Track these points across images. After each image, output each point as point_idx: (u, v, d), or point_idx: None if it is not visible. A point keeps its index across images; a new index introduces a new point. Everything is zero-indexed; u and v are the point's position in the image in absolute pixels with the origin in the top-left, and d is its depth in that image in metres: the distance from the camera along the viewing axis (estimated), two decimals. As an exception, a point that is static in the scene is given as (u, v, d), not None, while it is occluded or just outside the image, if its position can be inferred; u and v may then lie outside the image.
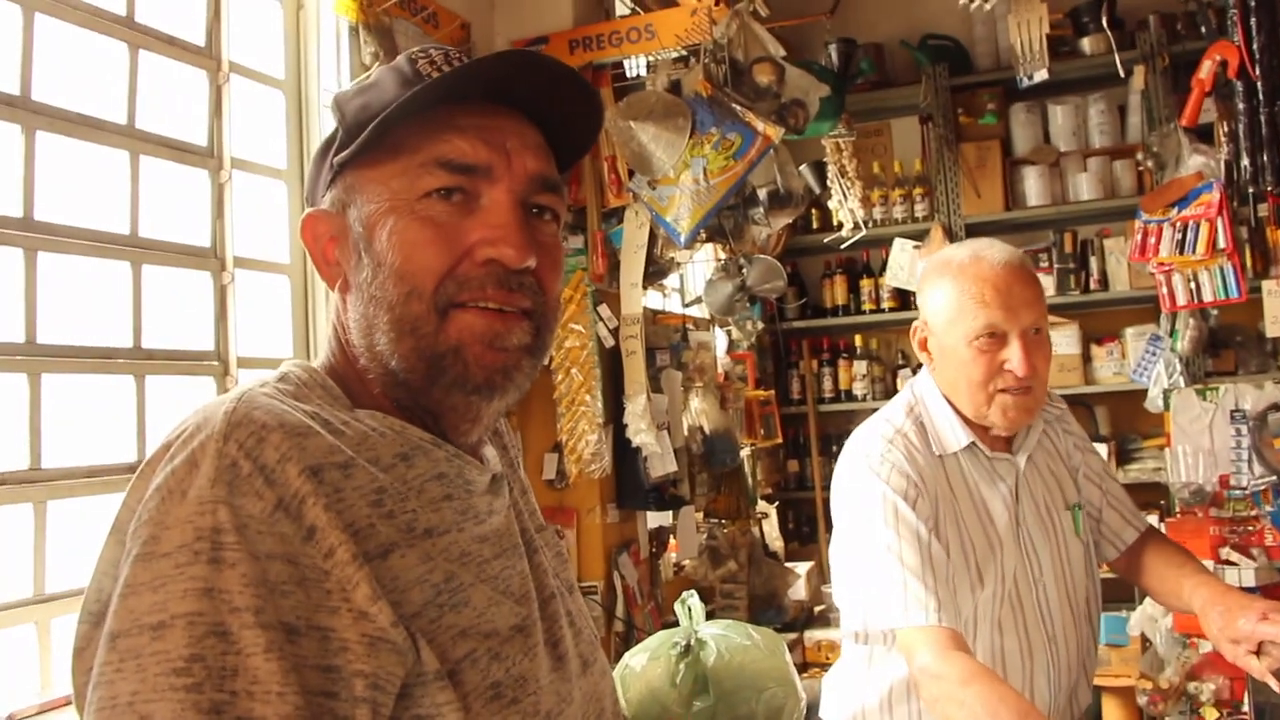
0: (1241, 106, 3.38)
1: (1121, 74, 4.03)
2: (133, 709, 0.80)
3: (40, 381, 2.18)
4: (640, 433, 3.49)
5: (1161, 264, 3.64)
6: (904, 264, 5.36)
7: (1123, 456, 5.21)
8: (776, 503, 5.26)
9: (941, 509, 1.97)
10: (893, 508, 1.93)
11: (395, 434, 1.01)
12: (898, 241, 5.38)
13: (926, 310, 2.07)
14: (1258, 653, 1.77)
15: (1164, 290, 3.71)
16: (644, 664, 1.53)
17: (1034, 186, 5.36)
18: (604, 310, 3.55)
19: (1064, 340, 5.27)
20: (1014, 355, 1.92)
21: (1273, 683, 1.74)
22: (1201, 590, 1.94)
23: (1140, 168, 4.95)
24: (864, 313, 5.75)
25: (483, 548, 1.04)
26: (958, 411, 2.04)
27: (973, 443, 2.03)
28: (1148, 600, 3.79)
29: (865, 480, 1.98)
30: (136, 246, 2.44)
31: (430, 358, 1.01)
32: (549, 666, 1.06)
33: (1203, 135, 3.86)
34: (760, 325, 5.13)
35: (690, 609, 1.61)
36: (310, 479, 0.89)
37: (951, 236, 5.33)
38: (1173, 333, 4.68)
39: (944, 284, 2.00)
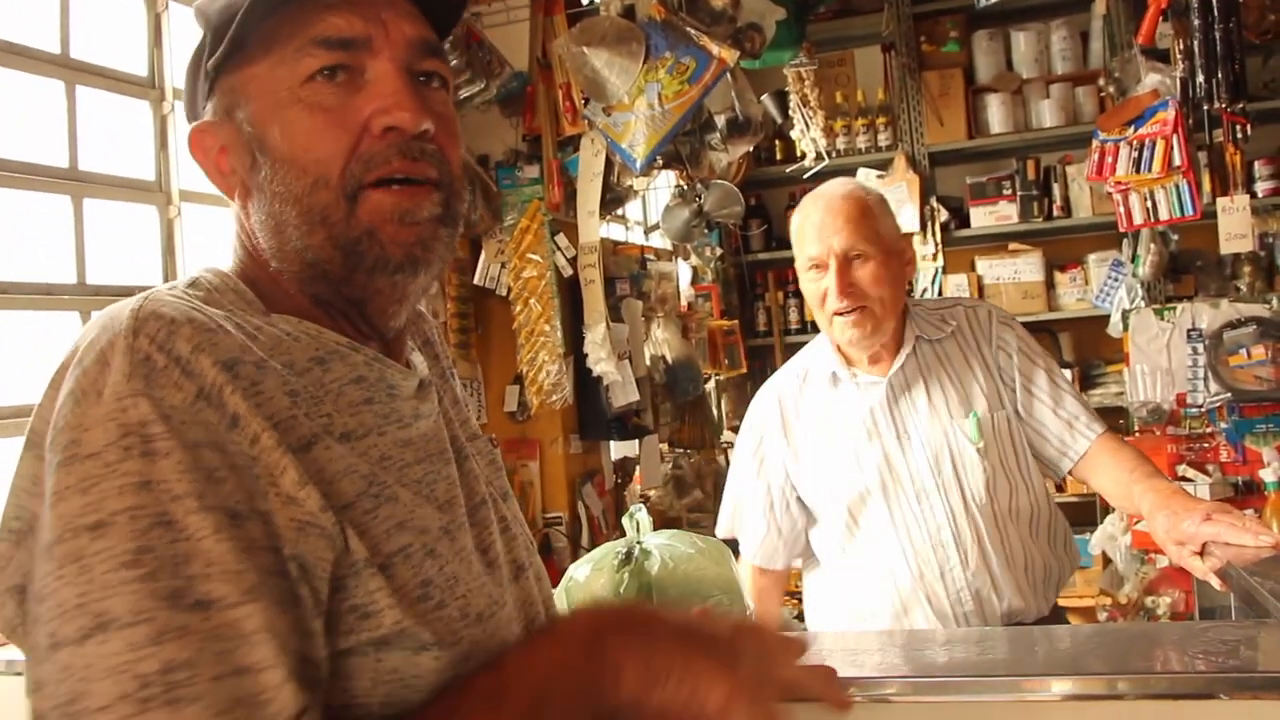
0: (1197, 23, 3.36)
1: (1080, -5, 3.99)
2: (84, 610, 0.78)
3: (-18, 317, 2.15)
4: (600, 362, 3.49)
5: (1119, 183, 3.63)
6: (868, 194, 5.35)
7: (1086, 382, 5.25)
8: (742, 434, 5.27)
9: (802, 440, 2.23)
10: (743, 452, 2.27)
11: (311, 338, 0.99)
12: (861, 171, 5.37)
13: None
14: (1201, 554, 1.79)
15: (1121, 210, 3.70)
16: (587, 575, 1.53)
17: (997, 114, 5.35)
18: (561, 240, 3.53)
19: (1027, 267, 5.29)
20: (829, 281, 2.11)
21: (1215, 582, 1.76)
22: (1149, 495, 1.98)
23: (1102, 93, 4.92)
24: (829, 244, 5.72)
25: (404, 451, 1.03)
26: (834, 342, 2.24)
27: (834, 372, 2.22)
28: (1108, 519, 3.84)
29: (745, 424, 2.33)
30: (77, 180, 2.39)
31: (345, 245, 0.99)
32: (479, 570, 1.06)
33: (1161, 57, 3.84)
34: (720, 252, 5.12)
35: (638, 522, 1.61)
36: (225, 371, 0.87)
37: (915, 165, 5.32)
38: (1134, 258, 4.69)
39: (793, 221, 2.24)
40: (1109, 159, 3.65)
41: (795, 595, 4.39)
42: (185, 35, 2.71)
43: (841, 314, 2.12)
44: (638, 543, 1.56)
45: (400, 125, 0.99)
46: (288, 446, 0.89)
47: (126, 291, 2.46)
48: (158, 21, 2.63)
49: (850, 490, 2.16)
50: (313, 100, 0.98)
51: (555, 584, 1.64)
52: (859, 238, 2.10)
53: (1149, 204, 3.64)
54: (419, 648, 0.93)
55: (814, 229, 2.14)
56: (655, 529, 2.03)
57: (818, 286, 2.14)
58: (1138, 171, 3.56)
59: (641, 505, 1.64)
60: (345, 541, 0.90)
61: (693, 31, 3.33)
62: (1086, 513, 4.69)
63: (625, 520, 1.62)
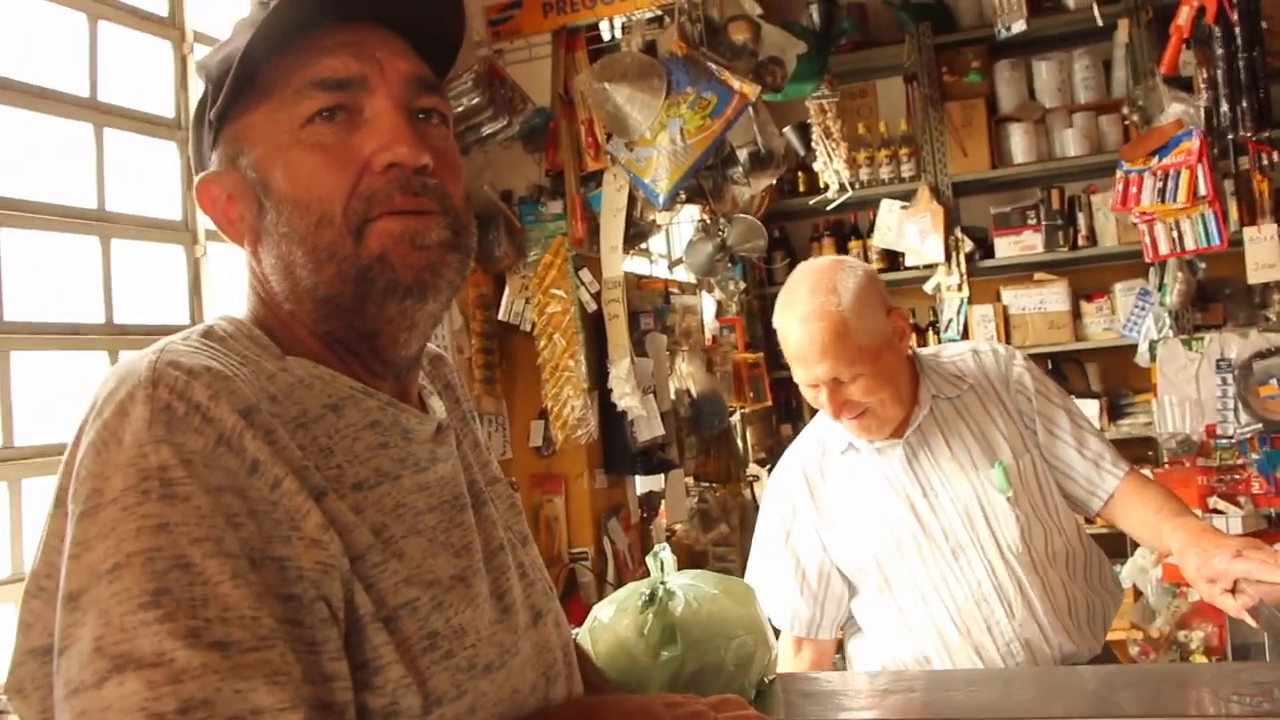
0: (1220, 52, 3.35)
1: (1100, 24, 3.97)
2: (101, 653, 0.78)
3: (9, 358, 2.16)
4: (625, 396, 3.48)
5: (1144, 213, 3.62)
6: (892, 225, 5.35)
7: (1114, 412, 5.20)
8: (769, 466, 5.25)
9: (832, 507, 2.22)
10: (780, 521, 2.28)
11: (324, 383, 1.00)
12: (885, 202, 5.36)
13: None
14: (1233, 591, 1.77)
15: (1147, 240, 3.69)
16: (611, 615, 1.52)
17: (1020, 144, 5.33)
18: (585, 275, 3.53)
19: (1053, 297, 5.26)
20: (824, 403, 2.12)
21: (1248, 619, 1.74)
22: (1179, 532, 1.96)
23: (1126, 122, 4.91)
24: (853, 275, 5.70)
25: (419, 497, 1.03)
26: None
27: (849, 442, 2.21)
28: (1139, 551, 3.80)
29: (771, 489, 2.34)
30: (104, 220, 2.42)
31: (356, 275, 1.00)
32: (493, 618, 1.05)
33: (1184, 85, 3.83)
34: (743, 286, 5.11)
35: (661, 561, 1.60)
36: (243, 418, 0.88)
37: (939, 196, 5.31)
38: (1161, 286, 4.66)
39: (777, 325, 2.19)
40: (1133, 189, 3.64)
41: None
42: (211, 77, 2.74)
43: (849, 418, 2.13)
44: (662, 583, 1.55)
45: (400, 160, 1.00)
46: (308, 492, 0.89)
47: (153, 331, 2.49)
48: (184, 63, 2.66)
49: (884, 553, 2.16)
50: (312, 141, 1.00)
51: (581, 620, 1.63)
52: (841, 364, 2.07)
53: (1175, 234, 3.62)
54: (422, 710, 0.93)
55: (795, 352, 2.12)
56: (682, 564, 2.04)
57: (814, 396, 2.14)
58: (1163, 201, 3.55)
59: (665, 544, 1.63)
60: (353, 594, 0.90)
61: (714, 66, 3.34)
62: (1117, 544, 4.63)
63: (649, 560, 1.61)
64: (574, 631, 1.58)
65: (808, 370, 2.09)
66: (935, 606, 2.11)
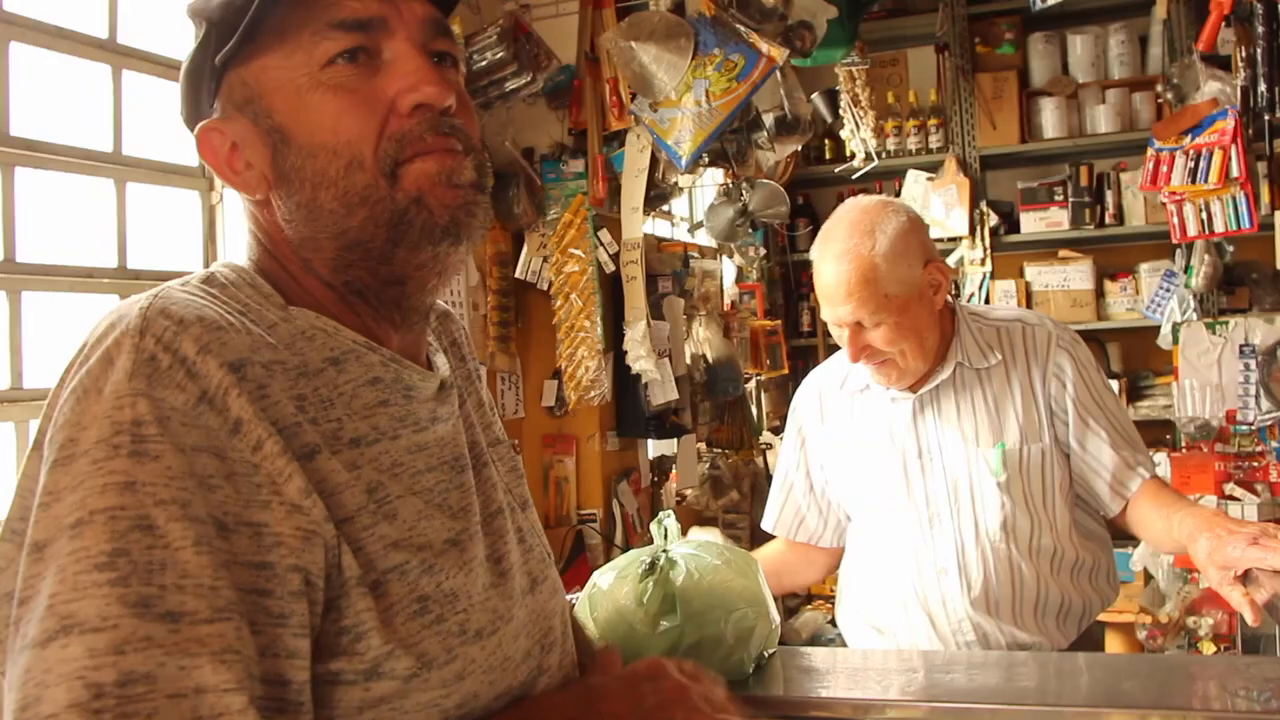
0: (1260, 30, 3.28)
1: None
2: (52, 611, 0.76)
3: (20, 300, 2.15)
4: (639, 359, 3.46)
5: (1173, 193, 3.56)
6: (917, 196, 5.30)
7: (1134, 393, 5.16)
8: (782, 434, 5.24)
9: (836, 440, 2.28)
10: (796, 428, 2.37)
11: (327, 335, 0.98)
12: (911, 173, 5.31)
13: None
14: (1243, 580, 1.73)
15: (1175, 220, 3.63)
16: (611, 582, 1.51)
17: (1050, 118, 5.27)
18: (604, 235, 3.50)
19: (1077, 275, 5.20)
20: (846, 345, 2.10)
21: (1248, 615, 1.68)
22: (1189, 519, 1.91)
23: (1160, 100, 4.84)
24: (876, 245, 5.66)
25: (417, 458, 1.02)
26: None
27: (867, 384, 2.21)
28: (1151, 534, 3.77)
29: (792, 406, 2.42)
30: (120, 164, 2.40)
31: (390, 217, 0.99)
32: (487, 582, 1.04)
33: (1222, 64, 3.76)
34: (763, 252, 5.07)
35: (666, 529, 1.59)
36: (231, 373, 0.86)
37: (965, 168, 5.25)
38: (1187, 268, 4.60)
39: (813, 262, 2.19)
40: (1164, 168, 3.58)
41: (820, 598, 4.35)
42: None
43: (871, 364, 2.12)
44: (664, 551, 1.53)
45: (429, 101, 0.99)
46: (292, 454, 0.87)
47: (166, 276, 2.46)
48: (205, 7, 2.63)
49: (867, 500, 2.20)
50: (335, 83, 0.98)
51: (585, 581, 1.62)
52: (865, 310, 2.04)
53: (1204, 215, 3.57)
54: (409, 674, 0.91)
55: (823, 289, 2.10)
56: (693, 526, 2.04)
57: (839, 335, 2.13)
58: (1193, 182, 3.50)
59: (670, 512, 1.61)
60: (339, 558, 0.89)
61: (742, 28, 3.29)
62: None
63: (654, 527, 1.59)
64: (574, 597, 1.57)
65: (833, 309, 2.08)
66: (900, 566, 2.13)
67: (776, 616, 1.56)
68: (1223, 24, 3.51)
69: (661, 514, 1.63)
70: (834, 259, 2.06)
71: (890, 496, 2.15)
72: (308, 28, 0.98)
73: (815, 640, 3.97)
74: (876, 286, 2.02)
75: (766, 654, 1.54)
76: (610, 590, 1.50)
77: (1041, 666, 1.57)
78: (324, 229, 1.00)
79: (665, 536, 1.60)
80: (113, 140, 2.39)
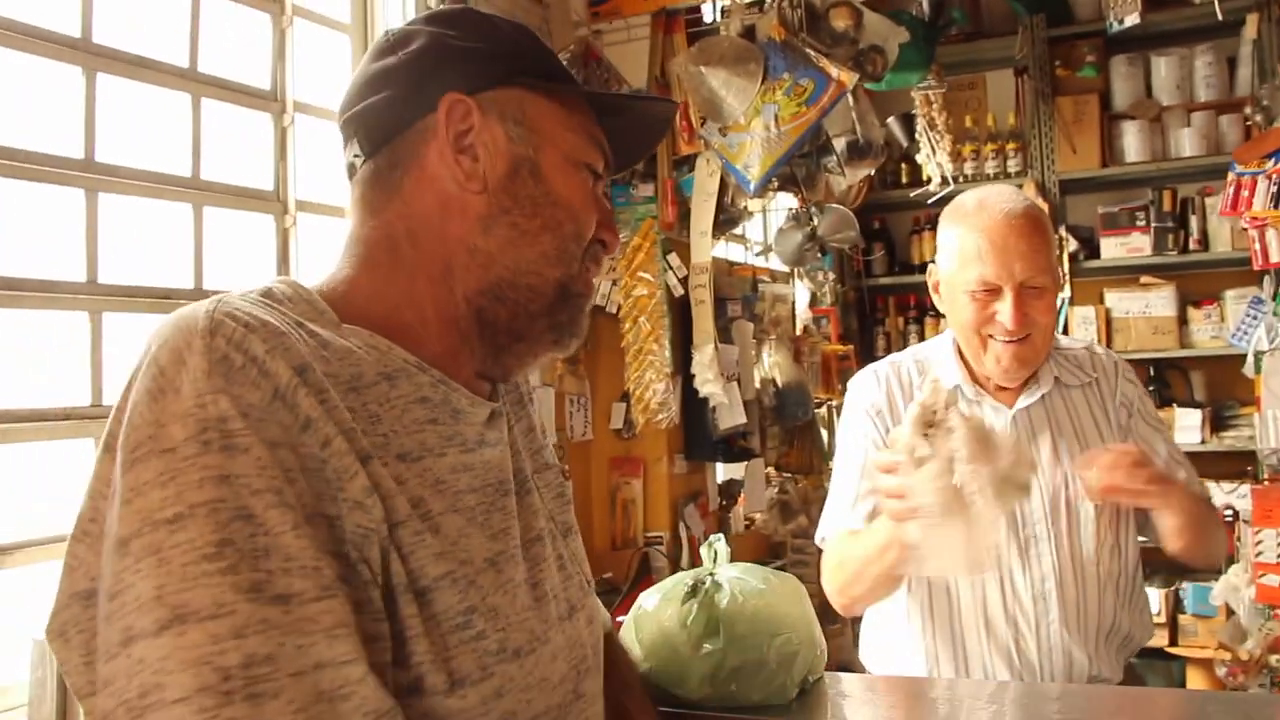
0: (1347, 53, 3.21)
1: (1220, 18, 3.79)
2: (161, 602, 0.78)
3: (101, 320, 2.22)
4: (707, 383, 3.47)
5: (1254, 218, 3.48)
6: (995, 220, 5.22)
7: (1218, 423, 5.01)
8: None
9: None
10: (847, 425, 2.16)
11: (380, 353, 1.01)
12: (989, 198, 5.24)
13: (938, 255, 2.12)
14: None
15: (1256, 246, 3.55)
16: (656, 604, 1.51)
17: (1133, 142, 5.16)
18: (673, 259, 3.53)
19: (1160, 302, 5.08)
20: (1005, 308, 1.96)
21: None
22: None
23: (1248, 122, 4.72)
24: (953, 270, 5.60)
25: (461, 477, 1.03)
26: (962, 356, 2.11)
27: (958, 385, 2.07)
28: (1232, 569, 3.67)
29: (847, 401, 2.22)
30: (198, 189, 2.47)
31: (563, 289, 1.12)
32: (525, 605, 1.05)
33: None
34: (832, 277, 5.04)
35: (716, 552, 1.59)
36: (298, 374, 0.89)
37: (1045, 193, 5.17)
38: (1276, 295, 4.48)
39: (950, 232, 2.05)
40: (1245, 193, 3.50)
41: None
42: (308, 49, 2.78)
43: (1010, 342, 1.98)
44: (710, 574, 1.53)
45: (609, 248, 1.19)
46: (356, 454, 0.90)
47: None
48: (282, 37, 2.70)
49: None
50: (584, 179, 1.14)
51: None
52: (1039, 269, 1.95)
53: (1287, 242, 3.48)
54: (448, 689, 0.93)
55: (990, 248, 1.95)
56: (759, 553, 2.02)
57: (980, 308, 1.99)
58: (1275, 207, 3.41)
59: (721, 536, 1.61)
60: (389, 562, 0.91)
61: (812, 53, 3.30)
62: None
63: (704, 549, 1.60)
64: (621, 619, 1.58)
65: (1001, 267, 1.94)
66: (989, 588, 2.00)
67: (823, 641, 1.55)
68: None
69: (712, 537, 1.63)
70: (1007, 215, 1.96)
71: None
72: (584, 131, 1.14)
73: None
74: (1049, 249, 1.97)
75: (811, 679, 1.53)
76: (655, 612, 1.50)
77: (1118, 697, 1.53)
78: (520, 258, 1.09)
79: (715, 560, 1.60)
80: (191, 165, 2.46)
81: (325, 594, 0.82)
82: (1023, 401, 2.07)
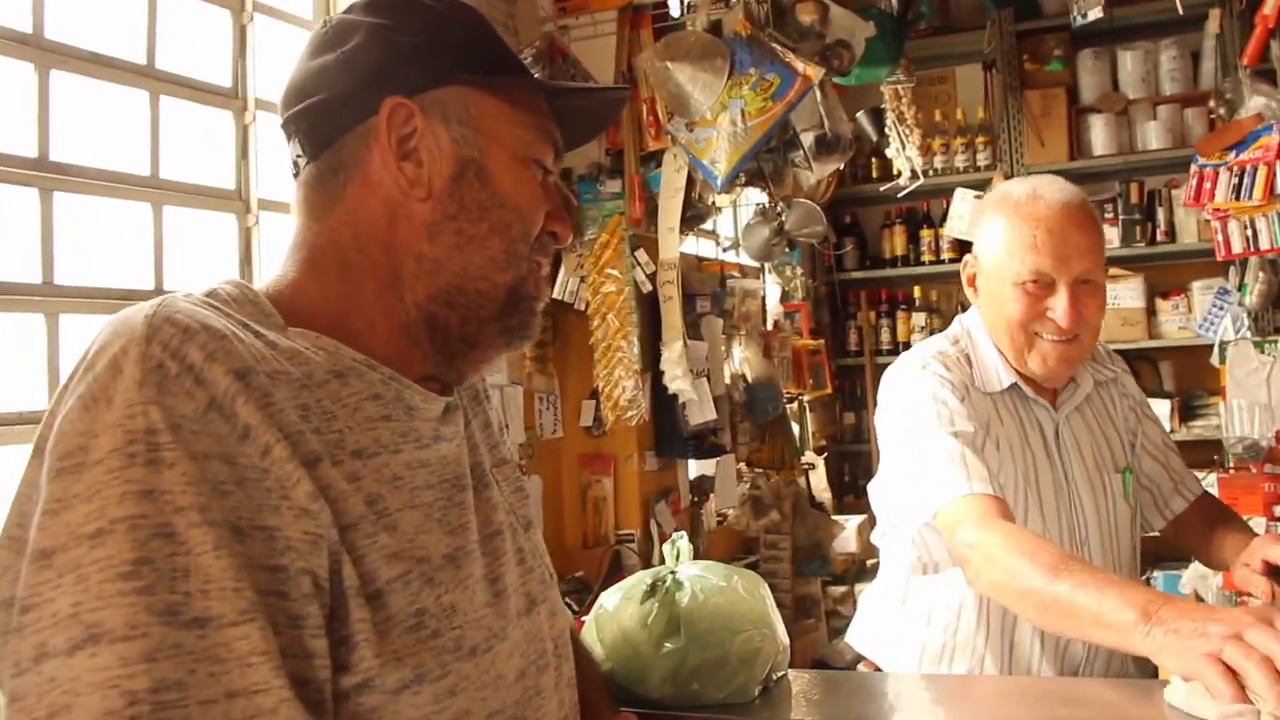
0: (1307, 45, 3.23)
1: (1181, 13, 3.80)
2: (77, 620, 0.77)
3: (58, 322, 2.19)
4: (676, 379, 3.46)
5: (1217, 210, 3.50)
6: (964, 214, 5.24)
7: (1186, 413, 5.06)
8: (826, 454, 5.21)
9: (989, 435, 1.89)
10: (941, 402, 1.86)
11: (329, 353, 1.00)
12: (959, 191, 5.25)
13: (979, 245, 1.97)
14: (1266, 575, 1.71)
15: (1219, 237, 3.57)
16: (616, 604, 1.50)
17: (1100, 135, 5.19)
18: (641, 255, 3.52)
19: (1128, 293, 5.12)
20: (1059, 304, 1.82)
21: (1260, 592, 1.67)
22: (1237, 539, 1.88)
23: (1212, 115, 4.75)
24: (923, 264, 5.66)
25: (417, 473, 1.03)
26: (1002, 353, 1.96)
27: (1015, 384, 1.93)
28: (1200, 558, 3.70)
29: (914, 380, 1.92)
30: (157, 188, 2.44)
31: (513, 293, 1.10)
32: (483, 601, 1.04)
33: (1270, 78, 3.69)
34: (801, 272, 5.04)
35: (678, 550, 1.58)
36: (238, 380, 0.87)
37: (1013, 186, 5.18)
38: (1241, 286, 4.51)
39: (998, 221, 1.89)
40: (1207, 184, 3.52)
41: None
42: (269, 47, 2.75)
43: (1054, 340, 1.86)
44: (671, 572, 1.53)
45: (560, 239, 1.17)
46: (299, 460, 0.88)
47: (202, 298, 2.50)
48: (243, 33, 2.67)
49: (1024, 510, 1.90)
50: (532, 173, 1.12)
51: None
52: (1095, 264, 1.83)
53: (1249, 232, 3.50)
54: (399, 687, 0.91)
55: (1048, 238, 1.81)
56: (732, 549, 2.00)
57: (1032, 303, 1.85)
58: (1238, 198, 3.43)
59: (683, 533, 1.60)
60: (341, 566, 0.89)
61: (778, 48, 3.29)
62: (1178, 548, 4.51)
63: (666, 548, 1.59)
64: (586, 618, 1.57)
65: (1058, 260, 1.81)
66: None
67: (786, 639, 1.54)
68: (1270, 39, 3.46)
69: (674, 535, 1.62)
70: (1064, 205, 1.82)
71: (1040, 509, 1.90)
72: (533, 125, 1.12)
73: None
74: (1103, 241, 1.86)
75: (775, 676, 1.52)
76: (615, 612, 1.49)
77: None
78: (468, 263, 1.07)
79: (676, 557, 1.59)
80: (150, 164, 2.43)
81: (243, 618, 0.80)
82: (1068, 404, 1.98)
